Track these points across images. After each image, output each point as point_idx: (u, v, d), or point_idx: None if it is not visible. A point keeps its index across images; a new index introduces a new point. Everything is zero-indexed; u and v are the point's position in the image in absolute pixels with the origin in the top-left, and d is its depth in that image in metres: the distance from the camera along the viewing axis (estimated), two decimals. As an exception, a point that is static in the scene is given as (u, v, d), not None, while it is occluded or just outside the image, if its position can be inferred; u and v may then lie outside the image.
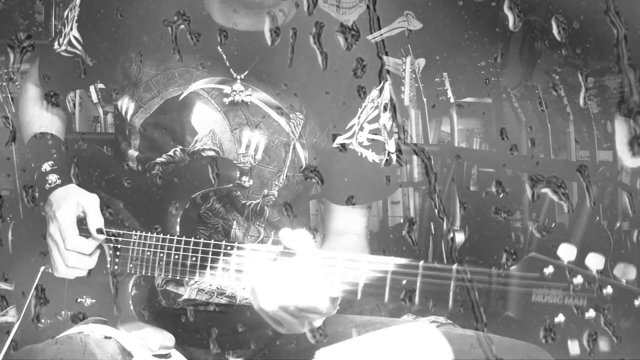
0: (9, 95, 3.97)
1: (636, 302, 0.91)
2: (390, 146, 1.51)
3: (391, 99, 1.54)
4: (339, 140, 1.50)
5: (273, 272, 1.18)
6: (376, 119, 1.51)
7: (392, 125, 1.53)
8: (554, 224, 3.36)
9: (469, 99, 4.36)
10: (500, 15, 4.02)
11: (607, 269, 0.95)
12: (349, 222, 1.56)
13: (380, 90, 1.51)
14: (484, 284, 1.00)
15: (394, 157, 1.52)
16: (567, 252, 0.97)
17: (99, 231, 1.37)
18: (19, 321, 1.41)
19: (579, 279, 0.95)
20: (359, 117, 1.50)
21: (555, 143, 3.98)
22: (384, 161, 1.50)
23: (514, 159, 2.73)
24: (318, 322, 1.24)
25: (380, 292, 1.10)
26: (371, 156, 1.50)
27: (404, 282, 1.08)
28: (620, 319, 0.92)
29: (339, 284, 1.13)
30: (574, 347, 0.95)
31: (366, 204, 1.57)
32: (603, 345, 0.93)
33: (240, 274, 1.24)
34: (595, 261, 0.96)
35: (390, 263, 1.10)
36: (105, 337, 1.29)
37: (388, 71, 4.11)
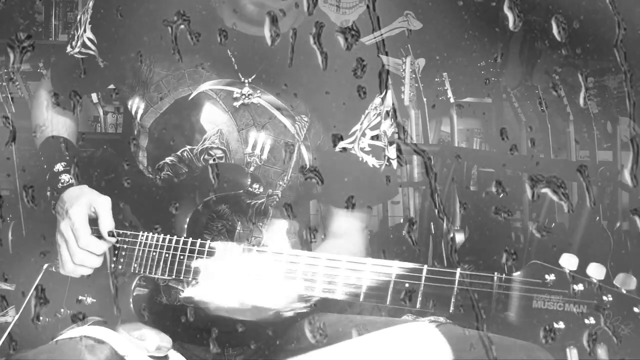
0: (9, 95, 3.96)
1: (635, 310, 0.91)
2: (391, 152, 1.53)
3: (392, 104, 1.55)
4: (341, 145, 1.52)
5: (218, 269, 1.20)
6: (378, 125, 1.53)
7: (392, 132, 1.55)
8: (554, 224, 3.35)
9: (469, 99, 4.36)
10: (500, 15, 4.01)
11: (608, 277, 0.96)
12: (348, 223, 1.56)
13: (383, 99, 1.53)
14: (486, 289, 1.01)
15: (394, 163, 1.54)
16: (569, 261, 0.99)
17: (110, 234, 1.38)
18: (15, 319, 1.41)
19: (579, 287, 0.96)
20: (361, 124, 1.51)
21: (555, 143, 3.98)
22: (383, 166, 1.52)
23: (514, 159, 2.73)
24: (287, 311, 1.23)
25: (383, 295, 1.10)
26: (371, 161, 1.51)
27: (407, 285, 1.08)
28: (620, 326, 0.92)
29: (299, 280, 1.14)
30: (572, 356, 0.95)
31: (365, 207, 1.57)
32: (602, 353, 0.94)
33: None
34: (596, 271, 0.97)
35: (394, 267, 1.10)
36: (99, 342, 1.28)
37: (388, 71, 4.11)
